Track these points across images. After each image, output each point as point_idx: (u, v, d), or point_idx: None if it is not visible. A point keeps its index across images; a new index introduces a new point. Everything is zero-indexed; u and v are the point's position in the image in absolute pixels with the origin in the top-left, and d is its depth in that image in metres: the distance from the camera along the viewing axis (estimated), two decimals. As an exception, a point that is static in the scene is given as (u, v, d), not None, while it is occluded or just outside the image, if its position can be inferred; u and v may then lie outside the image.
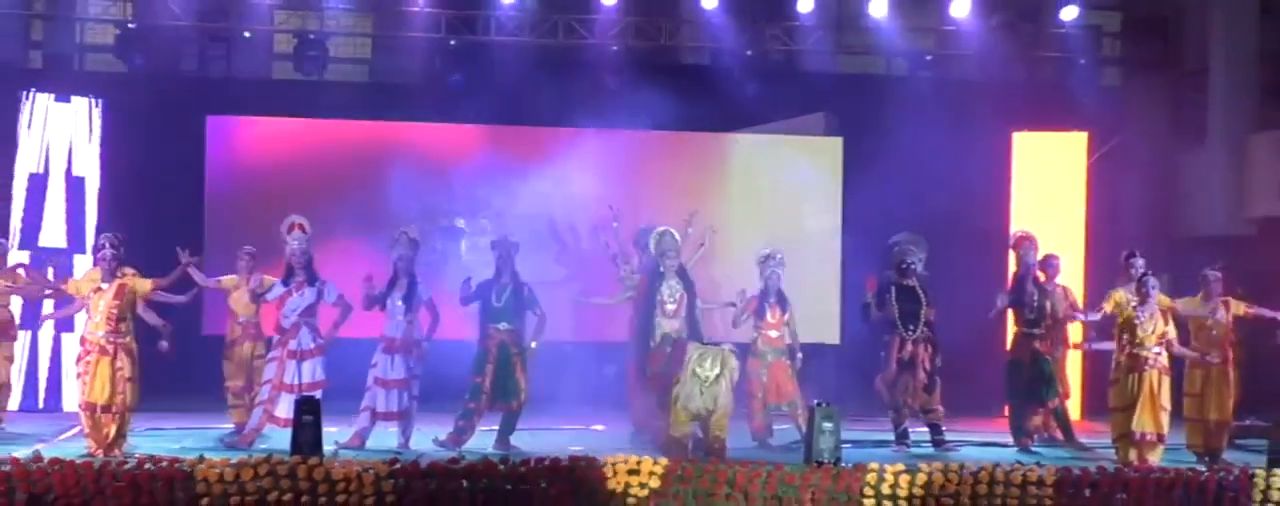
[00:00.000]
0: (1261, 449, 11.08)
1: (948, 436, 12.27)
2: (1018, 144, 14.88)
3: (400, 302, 11.43)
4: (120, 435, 10.86)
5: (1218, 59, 16.30)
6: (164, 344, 10.89)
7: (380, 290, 11.47)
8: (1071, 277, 14.07)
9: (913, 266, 12.27)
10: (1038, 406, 12.43)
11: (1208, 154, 16.31)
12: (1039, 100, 16.00)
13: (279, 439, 10.91)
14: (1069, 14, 16.42)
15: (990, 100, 15.86)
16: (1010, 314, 12.58)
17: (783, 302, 12.47)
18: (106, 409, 10.66)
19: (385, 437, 11.42)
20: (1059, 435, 12.51)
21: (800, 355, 12.60)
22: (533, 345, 11.78)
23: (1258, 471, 10.36)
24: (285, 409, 10.97)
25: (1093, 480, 10.13)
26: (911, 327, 12.13)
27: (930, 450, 11.97)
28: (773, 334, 12.45)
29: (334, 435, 10.80)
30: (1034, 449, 12.13)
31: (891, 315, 12.15)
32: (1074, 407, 13.75)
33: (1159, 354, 11.33)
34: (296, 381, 11.25)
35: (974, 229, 15.03)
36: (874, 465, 10.13)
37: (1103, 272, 14.91)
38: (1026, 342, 12.30)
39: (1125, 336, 11.40)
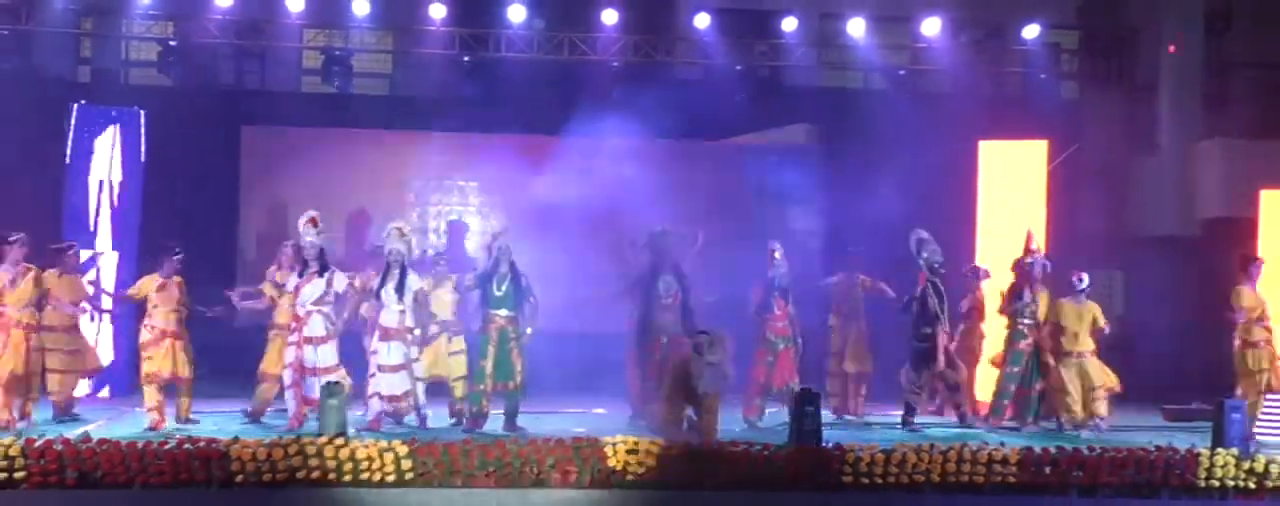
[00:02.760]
0: (1207, 430, 11.07)
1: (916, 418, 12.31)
2: (983, 151, 14.86)
3: (393, 293, 11.32)
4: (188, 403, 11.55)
5: (1167, 74, 16.32)
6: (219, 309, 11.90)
7: (375, 282, 11.42)
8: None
9: (940, 267, 12.27)
10: (1026, 390, 12.35)
11: (1158, 160, 16.32)
12: (1003, 111, 16.00)
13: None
14: (1031, 32, 16.47)
15: (958, 111, 15.86)
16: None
17: (786, 295, 12.43)
18: (175, 379, 11.30)
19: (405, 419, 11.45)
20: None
21: (801, 341, 12.56)
22: (529, 331, 11.72)
23: (1202, 451, 10.36)
24: (315, 390, 10.93)
25: (1052, 458, 10.14)
26: (939, 317, 12.17)
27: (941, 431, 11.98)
28: (779, 324, 12.40)
29: (354, 418, 10.79)
30: (1005, 425, 12.13)
31: (934, 310, 12.15)
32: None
33: None
34: (314, 364, 11.20)
35: (943, 230, 14.93)
36: (852, 445, 10.14)
37: (1061, 270, 14.93)
38: (1027, 335, 12.29)
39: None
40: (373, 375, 11.39)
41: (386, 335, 11.32)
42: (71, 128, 13.88)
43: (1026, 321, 12.29)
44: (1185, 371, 13.02)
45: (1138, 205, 16.52)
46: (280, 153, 15.41)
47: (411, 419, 11.50)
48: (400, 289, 11.31)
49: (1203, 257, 15.12)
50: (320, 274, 11.30)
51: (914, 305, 12.32)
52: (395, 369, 11.33)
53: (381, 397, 11.33)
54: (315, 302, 11.29)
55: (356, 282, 11.57)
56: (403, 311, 11.33)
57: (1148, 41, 16.80)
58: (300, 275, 11.36)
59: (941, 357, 12.14)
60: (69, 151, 13.87)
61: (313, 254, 11.31)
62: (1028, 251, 12.45)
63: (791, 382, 12.28)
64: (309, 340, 11.25)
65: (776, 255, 12.50)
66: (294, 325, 11.34)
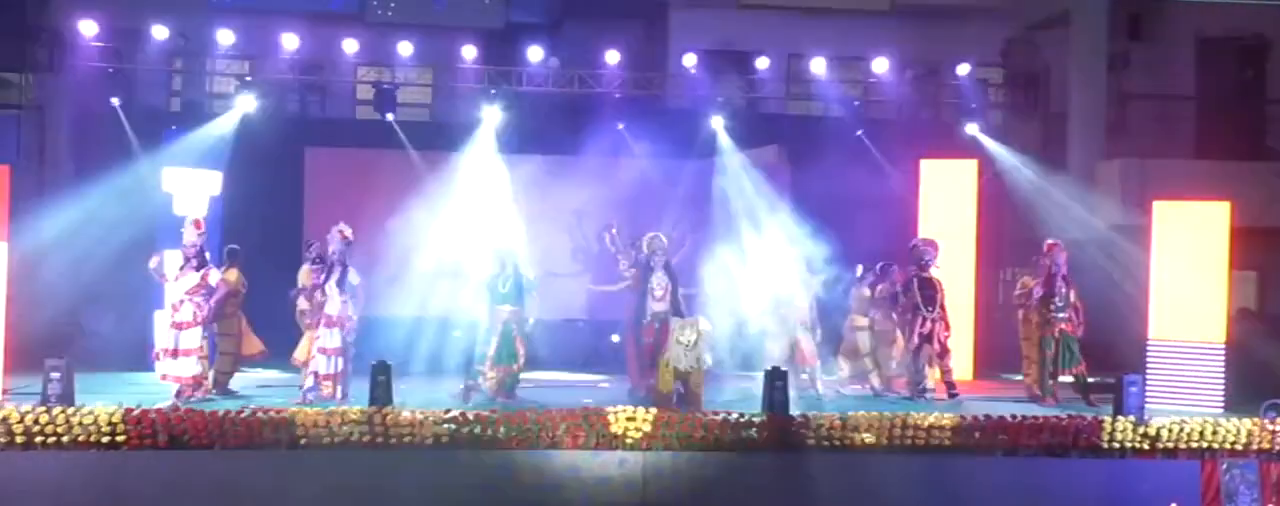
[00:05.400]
0: (1108, 401, 11.03)
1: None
2: (924, 169, 14.80)
3: (335, 287, 11.00)
4: None
5: (1075, 105, 16.28)
6: None
7: (320, 278, 11.08)
8: (964, 269, 14.04)
9: (930, 263, 12.11)
10: (1061, 371, 11.91)
11: (1067, 176, 16.25)
12: (940, 135, 15.98)
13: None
14: (963, 70, 16.45)
15: (903, 135, 15.83)
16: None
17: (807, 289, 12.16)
18: None
19: (419, 393, 10.99)
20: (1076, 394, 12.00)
21: (819, 330, 12.33)
22: (531, 321, 11.62)
23: (1105, 418, 10.36)
24: (166, 368, 10.63)
25: (980, 424, 10.13)
26: (930, 309, 11.99)
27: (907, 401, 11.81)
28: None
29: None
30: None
31: (915, 300, 12.00)
32: (968, 368, 13.71)
33: None
34: (176, 346, 10.64)
35: (890, 233, 14.92)
36: (814, 413, 10.12)
37: (988, 266, 14.92)
38: (1055, 325, 11.88)
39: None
40: (313, 356, 11.04)
41: (329, 322, 10.99)
42: (166, 149, 13.84)
43: (1057, 315, 11.83)
44: (1089, 350, 12.89)
45: (1050, 213, 16.45)
46: (338, 170, 15.33)
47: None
48: (341, 283, 11.01)
49: (1104, 257, 15.08)
50: (197, 269, 10.83)
51: (899, 298, 12.23)
52: (333, 351, 10.99)
53: (318, 376, 10.95)
54: (188, 293, 10.78)
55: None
56: (345, 302, 11.03)
57: (1058, 77, 16.78)
58: (181, 269, 10.86)
59: (916, 339, 11.97)
60: (164, 169, 13.82)
61: (192, 253, 10.87)
62: (1045, 255, 12.07)
63: (815, 364, 12.05)
64: (176, 325, 10.72)
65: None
66: (172, 311, 10.85)
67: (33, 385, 10.23)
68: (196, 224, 11.00)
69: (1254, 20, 16.07)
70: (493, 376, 11.43)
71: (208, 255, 11.12)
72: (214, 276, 10.94)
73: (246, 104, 14.93)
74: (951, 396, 11.89)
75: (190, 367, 10.63)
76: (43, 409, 9.34)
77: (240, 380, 11.93)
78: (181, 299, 10.76)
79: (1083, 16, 16.13)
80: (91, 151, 14.99)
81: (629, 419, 9.77)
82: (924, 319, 11.98)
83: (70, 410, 9.32)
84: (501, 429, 9.65)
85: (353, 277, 11.10)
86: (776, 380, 10.34)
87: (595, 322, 14.48)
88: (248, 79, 15.85)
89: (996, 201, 15.33)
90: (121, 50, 15.06)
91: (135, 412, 9.33)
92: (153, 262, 10.89)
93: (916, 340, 12.00)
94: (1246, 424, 10.34)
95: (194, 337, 10.72)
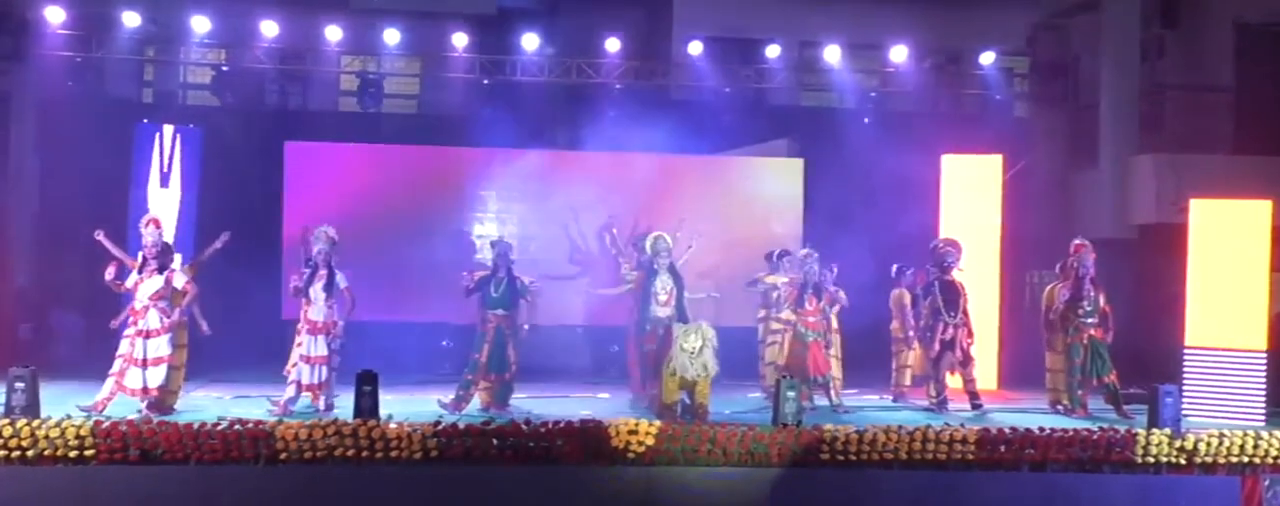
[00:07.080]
0: (1143, 412, 11.00)
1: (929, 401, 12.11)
2: (945, 164, 14.77)
3: (321, 291, 10.94)
4: None
5: (1106, 96, 16.23)
6: None
7: (303, 282, 11.00)
8: (988, 272, 14.00)
9: (952, 265, 12.07)
10: (1093, 380, 11.86)
11: (1098, 172, 16.24)
12: (962, 128, 15.94)
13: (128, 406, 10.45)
14: (987, 59, 16.45)
15: (923, 128, 15.82)
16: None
17: (819, 293, 12.03)
18: None
19: (406, 404, 11.07)
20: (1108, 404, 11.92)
21: (838, 337, 12.29)
22: (525, 327, 11.61)
23: (1140, 431, 10.34)
24: (133, 380, 10.40)
25: (1006, 438, 10.11)
26: (952, 314, 11.94)
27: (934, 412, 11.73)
28: (811, 319, 11.96)
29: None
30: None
31: (936, 304, 11.96)
32: (992, 378, 13.67)
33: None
34: (144, 356, 10.44)
35: (908, 233, 14.92)
36: (829, 426, 10.10)
37: (1015, 267, 14.88)
38: (1083, 331, 11.88)
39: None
40: (295, 365, 10.96)
41: (313, 329, 10.94)
42: (136, 142, 13.84)
43: (1086, 321, 11.83)
44: (1121, 358, 12.88)
45: (1080, 212, 16.44)
46: (319, 166, 15.29)
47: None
48: (328, 287, 10.97)
49: (1137, 259, 15.07)
50: (159, 271, 10.61)
51: (918, 301, 12.20)
52: (318, 361, 10.93)
53: (300, 385, 10.90)
54: (152, 298, 10.56)
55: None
56: (330, 308, 10.99)
57: (1088, 67, 16.75)
58: (140, 272, 10.61)
59: (937, 345, 11.91)
60: (134, 163, 13.82)
61: (153, 253, 10.61)
62: (1072, 257, 12.06)
63: (830, 372, 11.97)
64: (143, 333, 10.48)
65: (805, 257, 12.13)
66: (132, 318, 10.61)
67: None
68: (154, 223, 10.81)
69: (1297, 6, 16.03)
70: (485, 386, 11.41)
71: (180, 257, 11.04)
72: (179, 279, 10.75)
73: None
74: (975, 407, 11.83)
75: (157, 378, 10.49)
76: (5, 421, 9.31)
77: (220, 389, 11.92)
78: (146, 305, 10.54)
79: (1115, 2, 16.09)
80: (58, 144, 14.98)
81: (631, 432, 9.74)
82: (945, 325, 11.93)
83: (35, 422, 9.30)
84: (494, 442, 9.62)
85: (340, 281, 11.05)
86: (788, 390, 10.31)
87: (594, 329, 14.46)
88: (224, 69, 15.82)
89: (1022, 199, 15.31)
90: (90, 38, 15.04)
91: (105, 425, 9.31)
92: (108, 274, 10.70)
93: (937, 347, 11.94)
94: (1290, 437, 10.31)
95: (162, 346, 10.53)
